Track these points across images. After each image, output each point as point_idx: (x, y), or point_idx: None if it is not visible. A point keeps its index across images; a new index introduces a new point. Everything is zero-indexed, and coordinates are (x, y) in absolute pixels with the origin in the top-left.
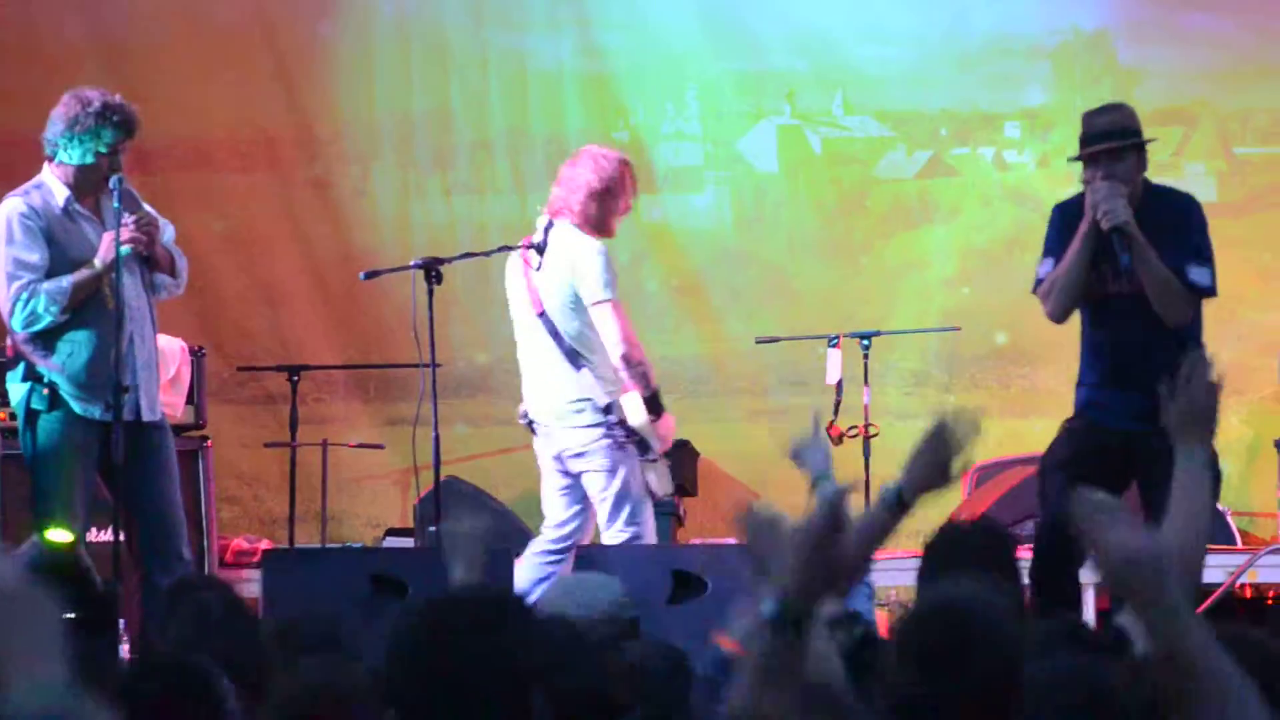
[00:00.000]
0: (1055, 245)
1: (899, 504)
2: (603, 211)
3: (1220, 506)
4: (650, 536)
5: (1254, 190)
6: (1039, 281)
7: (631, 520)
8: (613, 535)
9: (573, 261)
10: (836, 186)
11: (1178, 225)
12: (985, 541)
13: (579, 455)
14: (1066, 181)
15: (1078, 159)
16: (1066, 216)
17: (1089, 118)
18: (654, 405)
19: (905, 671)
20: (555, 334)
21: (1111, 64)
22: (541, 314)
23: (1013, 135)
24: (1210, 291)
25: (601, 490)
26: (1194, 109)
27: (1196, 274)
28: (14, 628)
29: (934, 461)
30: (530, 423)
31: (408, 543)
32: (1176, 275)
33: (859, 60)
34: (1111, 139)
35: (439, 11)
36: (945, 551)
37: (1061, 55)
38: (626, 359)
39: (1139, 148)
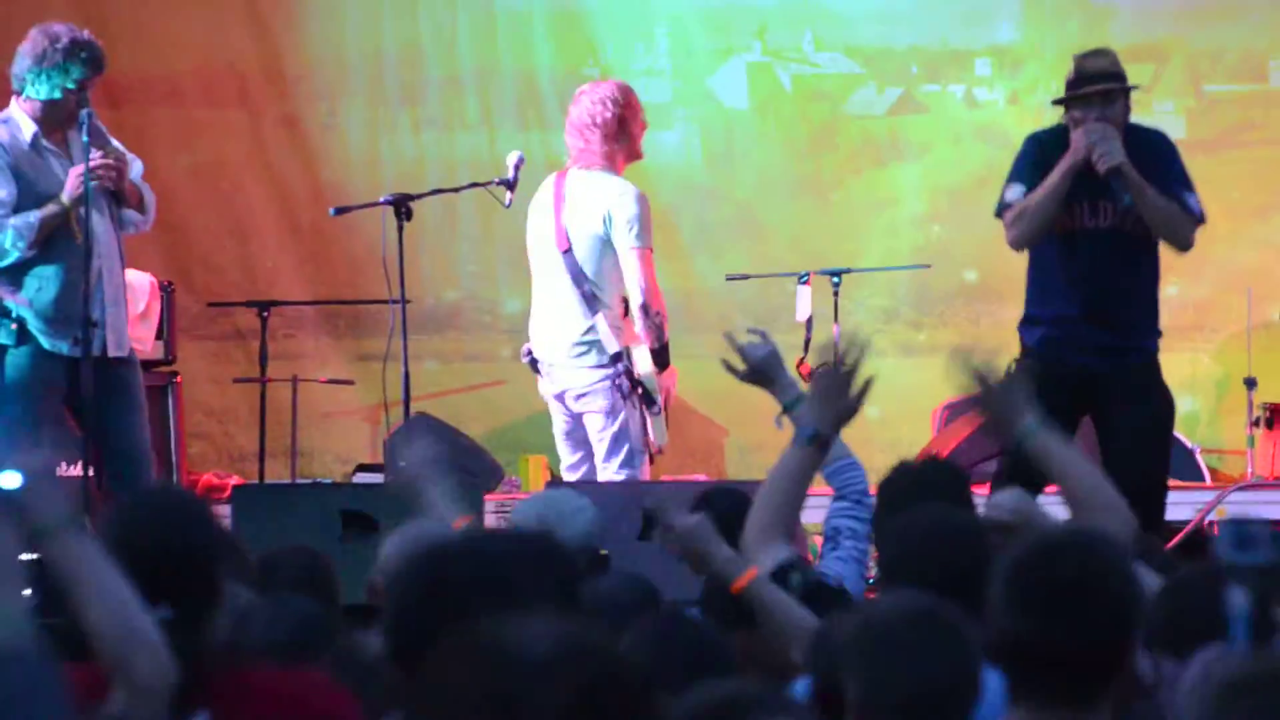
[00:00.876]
0: (1027, 173)
1: (817, 440)
2: (623, 142)
3: (1190, 444)
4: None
5: (1223, 128)
6: (1005, 205)
7: (627, 463)
8: (607, 475)
9: (609, 206)
10: (807, 123)
11: (1159, 159)
12: (939, 478)
13: (581, 395)
14: (1037, 119)
15: (1071, 98)
16: (1043, 148)
17: (1082, 60)
18: (661, 357)
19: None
20: (577, 275)
21: (1082, 1)
22: (566, 251)
23: (983, 73)
24: (1203, 217)
25: (600, 430)
26: (1164, 46)
27: (1191, 200)
28: None
29: (832, 391)
30: (534, 361)
31: (378, 478)
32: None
33: None
34: (1108, 80)
35: None
36: (900, 489)
37: None
38: (645, 308)
39: (1127, 93)
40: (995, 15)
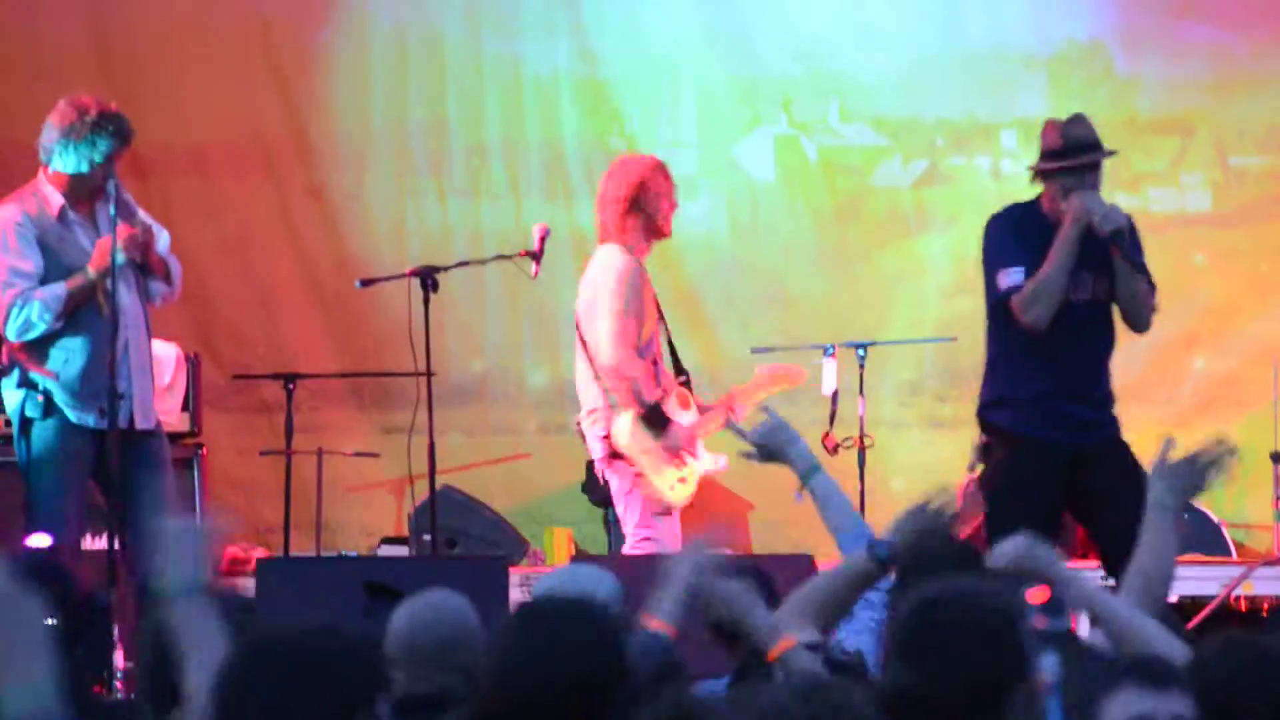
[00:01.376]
0: (1020, 254)
1: (884, 562)
2: (644, 219)
3: (1215, 518)
4: (669, 545)
5: (1250, 201)
6: (1011, 291)
7: (644, 525)
8: (629, 545)
9: (594, 274)
10: (832, 195)
11: (1131, 237)
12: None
13: (600, 462)
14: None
15: (1062, 169)
16: (1019, 227)
17: (1067, 127)
18: (654, 419)
19: (901, 669)
20: (583, 345)
21: (1108, 73)
22: (577, 324)
23: (1009, 145)
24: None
25: (616, 498)
26: (1190, 119)
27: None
28: (1, 631)
29: (921, 530)
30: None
31: (403, 551)
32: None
33: (855, 68)
34: (1095, 150)
35: (435, 18)
36: (918, 565)
37: (1058, 64)
38: (605, 370)
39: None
40: (1021, 87)
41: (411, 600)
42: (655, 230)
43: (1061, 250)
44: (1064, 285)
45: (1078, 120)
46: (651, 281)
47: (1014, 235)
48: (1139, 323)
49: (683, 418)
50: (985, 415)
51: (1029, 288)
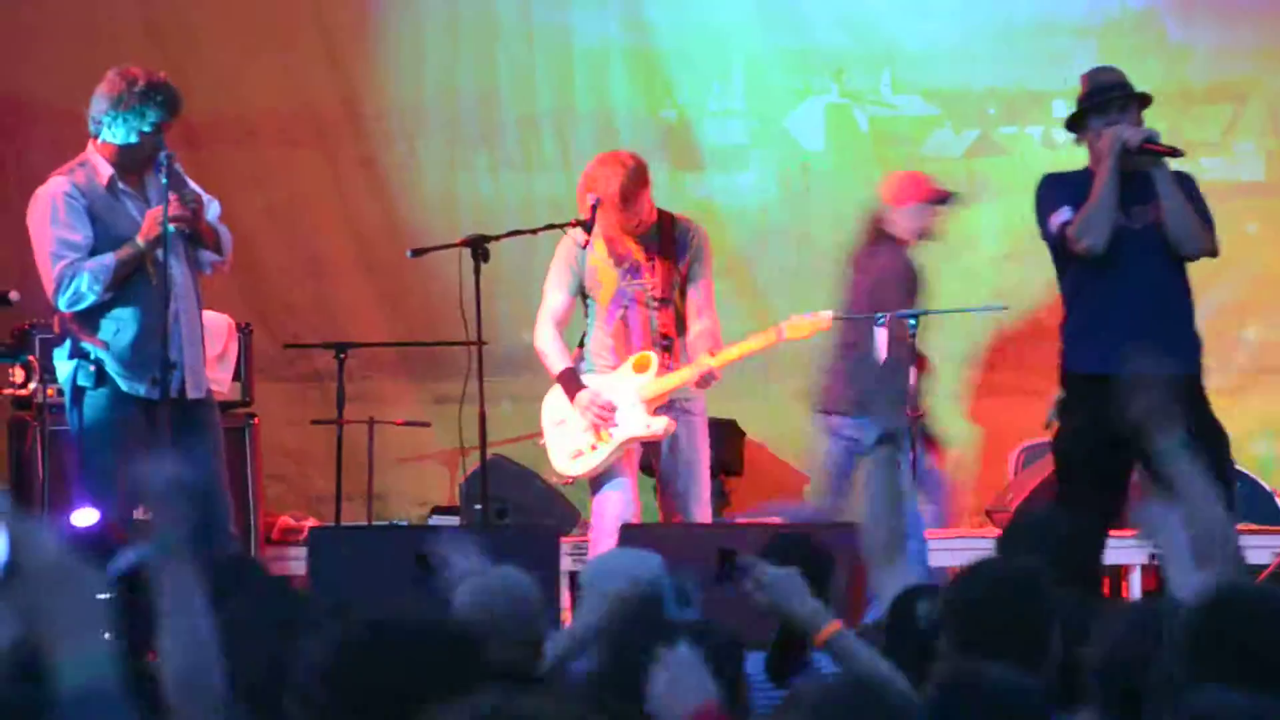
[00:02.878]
0: (1066, 198)
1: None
2: (605, 220)
3: (1269, 487)
4: (599, 525)
5: None
6: (1063, 225)
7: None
8: None
9: None
10: (884, 165)
11: (1188, 189)
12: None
13: None
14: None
15: (1089, 109)
16: (1063, 182)
17: (1093, 75)
18: (565, 386)
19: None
20: None
21: (1160, 41)
22: None
23: (1060, 114)
24: (1217, 245)
25: None
26: (1243, 86)
27: (1211, 222)
28: (58, 602)
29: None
30: None
31: (454, 521)
32: None
33: (906, 38)
34: (1121, 90)
35: None
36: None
37: (1109, 33)
38: None
39: (1140, 105)
40: (1072, 56)
41: (477, 575)
42: (609, 227)
43: (1103, 177)
44: (1112, 209)
45: (1105, 69)
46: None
47: (1059, 187)
48: (1185, 242)
49: (629, 381)
50: (1068, 366)
51: (1079, 217)
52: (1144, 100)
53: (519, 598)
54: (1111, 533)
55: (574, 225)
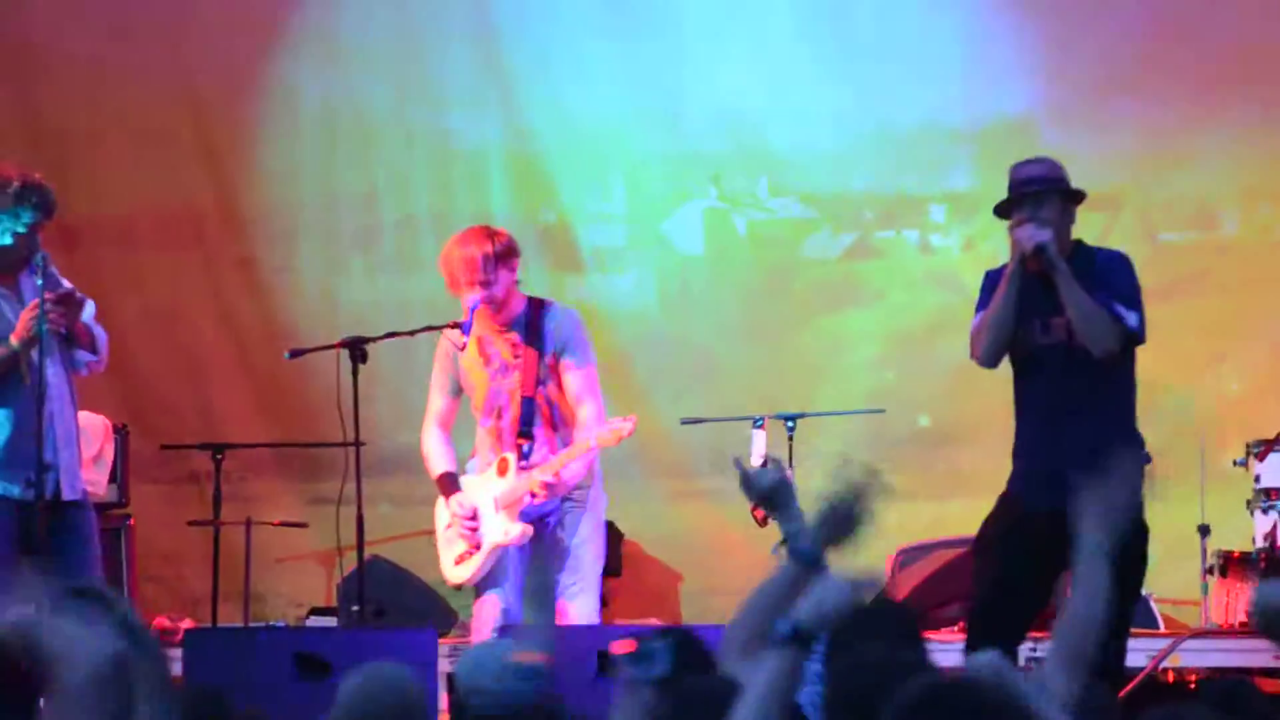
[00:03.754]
0: (988, 300)
1: (814, 562)
2: (455, 292)
3: (1145, 591)
4: (479, 621)
5: (1177, 276)
6: (976, 329)
7: None
8: None
9: None
10: (761, 268)
11: (1108, 273)
12: (890, 618)
13: None
14: (991, 264)
15: (1005, 204)
16: (996, 281)
17: (1017, 167)
18: (442, 490)
19: None
20: None
21: (1036, 148)
22: None
23: (937, 219)
24: (1138, 334)
25: None
26: (1118, 194)
27: (1123, 312)
28: None
29: (839, 521)
30: None
31: (331, 622)
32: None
33: (784, 143)
34: (1034, 185)
35: (364, 92)
36: (851, 629)
37: (986, 139)
38: None
39: (1065, 196)
40: (949, 162)
41: (359, 671)
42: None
43: (1003, 284)
44: (1006, 317)
45: (1029, 161)
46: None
47: (987, 288)
48: (1093, 342)
49: (490, 486)
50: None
51: (978, 322)
52: (1070, 195)
53: (403, 693)
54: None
55: (451, 326)
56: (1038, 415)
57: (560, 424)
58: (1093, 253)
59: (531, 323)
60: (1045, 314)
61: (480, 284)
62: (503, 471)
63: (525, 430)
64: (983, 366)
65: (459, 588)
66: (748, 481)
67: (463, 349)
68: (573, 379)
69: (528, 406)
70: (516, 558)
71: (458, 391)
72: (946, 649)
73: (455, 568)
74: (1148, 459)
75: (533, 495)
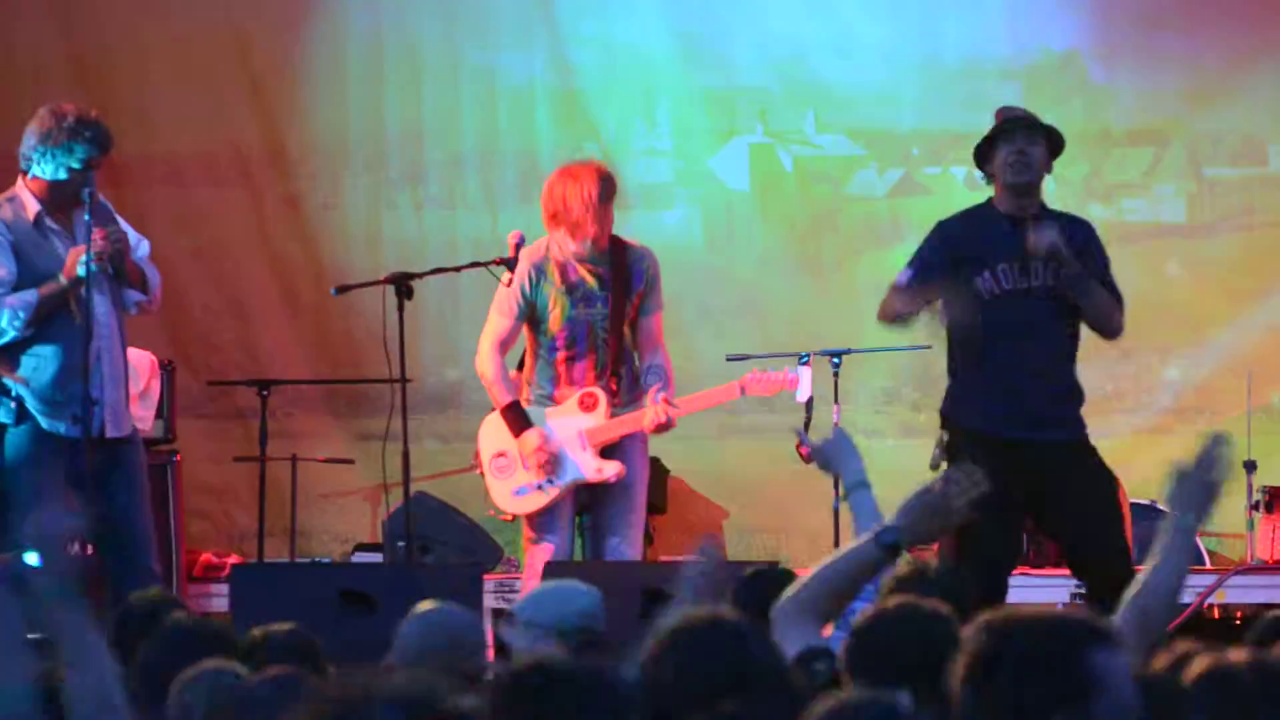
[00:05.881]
0: (924, 263)
1: (896, 549)
2: (551, 228)
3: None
4: (534, 571)
5: (1223, 212)
6: (894, 284)
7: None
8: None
9: None
10: (808, 205)
11: (1089, 247)
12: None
13: None
14: None
15: (993, 133)
16: (947, 236)
17: (1005, 108)
18: (509, 420)
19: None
20: None
21: (1082, 84)
22: None
23: None
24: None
25: None
26: (1165, 130)
27: (1113, 282)
28: None
29: (935, 511)
30: None
31: (377, 558)
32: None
33: (831, 79)
34: (1030, 119)
35: (411, 28)
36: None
37: (1033, 75)
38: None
39: (1051, 146)
40: (997, 97)
41: (421, 610)
42: (560, 235)
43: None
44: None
45: (1013, 107)
46: (576, 270)
47: (935, 244)
48: (1104, 331)
49: (577, 421)
50: (946, 411)
51: (900, 279)
52: (1053, 136)
53: (459, 633)
54: (1034, 571)
55: (497, 263)
56: (1021, 354)
57: (630, 363)
58: (1062, 219)
59: (618, 259)
60: (1023, 257)
61: (592, 223)
62: (589, 407)
63: (615, 369)
64: (882, 320)
65: (512, 519)
66: (818, 456)
67: (509, 285)
68: (651, 321)
69: (618, 344)
70: (571, 509)
71: (525, 315)
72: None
73: (514, 499)
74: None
75: (661, 427)
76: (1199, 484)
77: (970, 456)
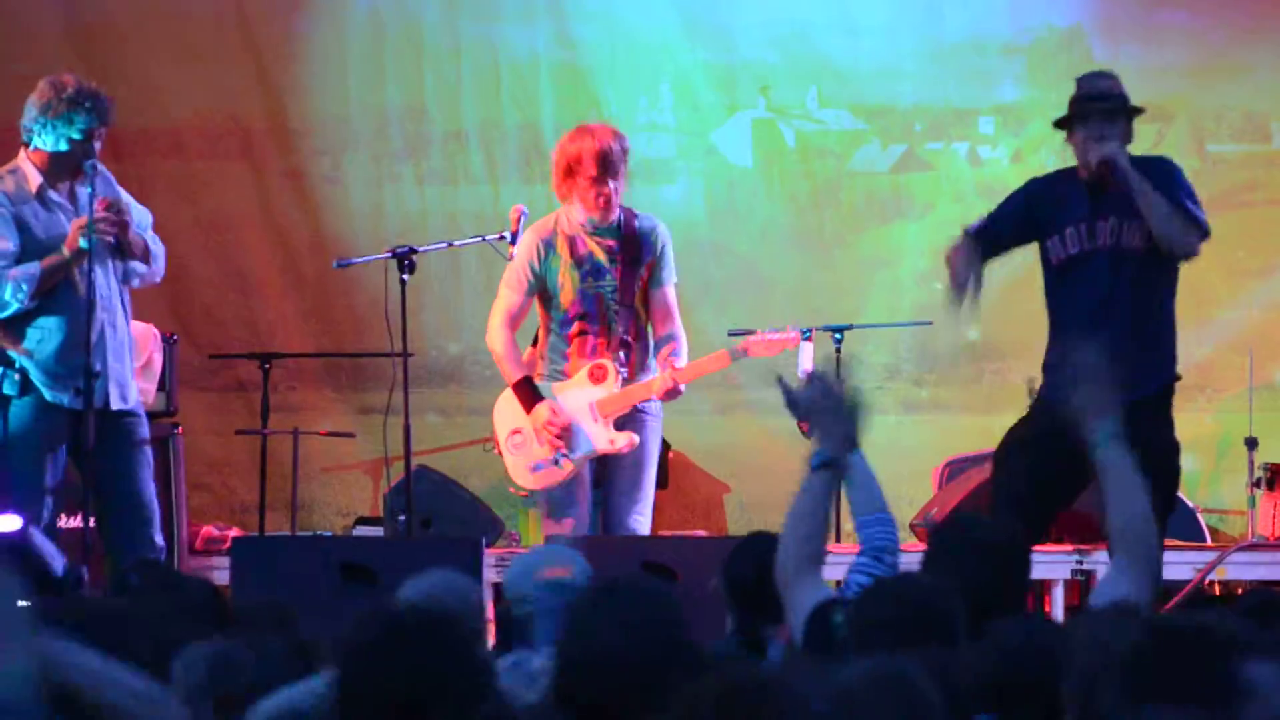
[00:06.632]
0: (1000, 210)
1: (827, 464)
2: (563, 190)
3: (1190, 503)
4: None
5: (1227, 188)
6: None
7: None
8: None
9: None
10: (810, 179)
11: (1166, 178)
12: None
13: None
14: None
15: (1073, 116)
16: (1030, 191)
17: (1087, 79)
18: (520, 394)
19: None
20: None
21: (1085, 60)
22: None
23: (986, 131)
24: (1205, 228)
25: None
26: (1168, 106)
27: (1197, 210)
28: None
29: (827, 414)
30: None
31: (377, 532)
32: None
33: (834, 54)
34: (1110, 100)
35: (413, 2)
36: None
37: (1036, 51)
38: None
39: (1129, 116)
40: (999, 74)
41: (420, 577)
42: (569, 202)
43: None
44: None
45: (1098, 74)
46: (585, 243)
47: (1020, 198)
48: (1177, 240)
49: (588, 393)
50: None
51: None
52: (1133, 111)
53: (462, 597)
54: (1036, 547)
55: (500, 238)
56: (1081, 319)
57: (644, 335)
58: (1143, 161)
59: (628, 230)
60: (1090, 218)
61: (609, 176)
62: (599, 379)
63: (627, 341)
64: None
65: (528, 494)
66: (790, 400)
67: (510, 258)
68: (664, 293)
69: (628, 314)
70: (588, 484)
71: (535, 290)
72: None
73: (531, 474)
74: (1176, 376)
75: (669, 393)
76: (1098, 390)
77: (1030, 417)
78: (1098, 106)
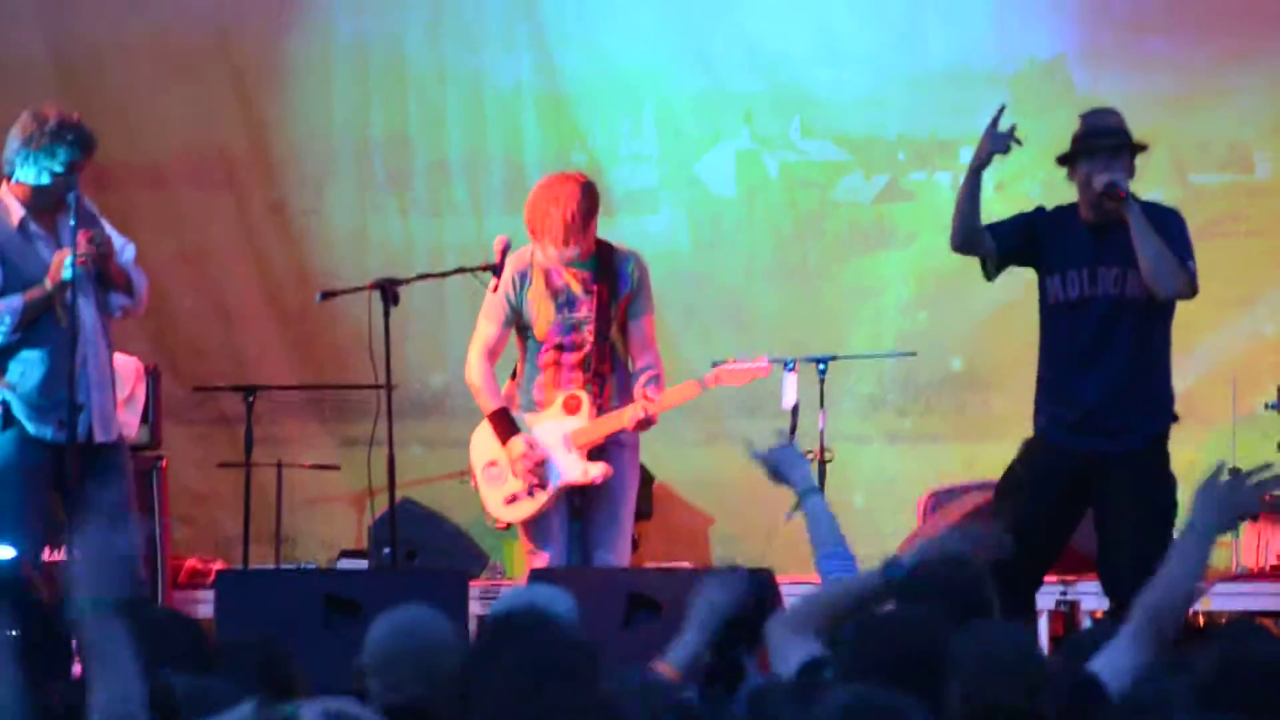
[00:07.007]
0: (1002, 223)
1: (896, 584)
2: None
3: (1174, 534)
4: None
5: (1209, 218)
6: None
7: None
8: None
9: None
10: (793, 210)
11: (1166, 227)
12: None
13: None
14: (1022, 207)
15: (1078, 153)
16: (1035, 219)
17: (1090, 116)
18: (496, 427)
19: None
20: None
21: (1068, 90)
22: None
23: (969, 161)
24: (1195, 285)
25: None
26: (1150, 135)
27: (1190, 264)
28: None
29: (942, 561)
30: None
31: (362, 564)
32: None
33: (817, 84)
34: (1116, 137)
35: (397, 31)
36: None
37: (1018, 82)
38: None
39: (1133, 153)
40: (982, 104)
41: (390, 612)
42: (542, 247)
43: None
44: (967, 208)
45: (1104, 111)
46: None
47: (1025, 219)
48: (1163, 282)
49: (561, 424)
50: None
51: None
52: (1137, 148)
53: (429, 637)
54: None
55: (484, 269)
56: (1077, 361)
57: (620, 367)
58: (1146, 205)
59: (604, 263)
60: (1092, 263)
61: (568, 243)
62: (573, 410)
63: (599, 371)
64: (955, 249)
65: (507, 527)
66: (765, 466)
67: (494, 290)
68: (641, 324)
69: (602, 346)
70: (565, 516)
71: (512, 321)
72: None
73: (507, 507)
74: (1174, 418)
75: (641, 424)
76: (1236, 496)
77: (1028, 457)
78: (1104, 143)
